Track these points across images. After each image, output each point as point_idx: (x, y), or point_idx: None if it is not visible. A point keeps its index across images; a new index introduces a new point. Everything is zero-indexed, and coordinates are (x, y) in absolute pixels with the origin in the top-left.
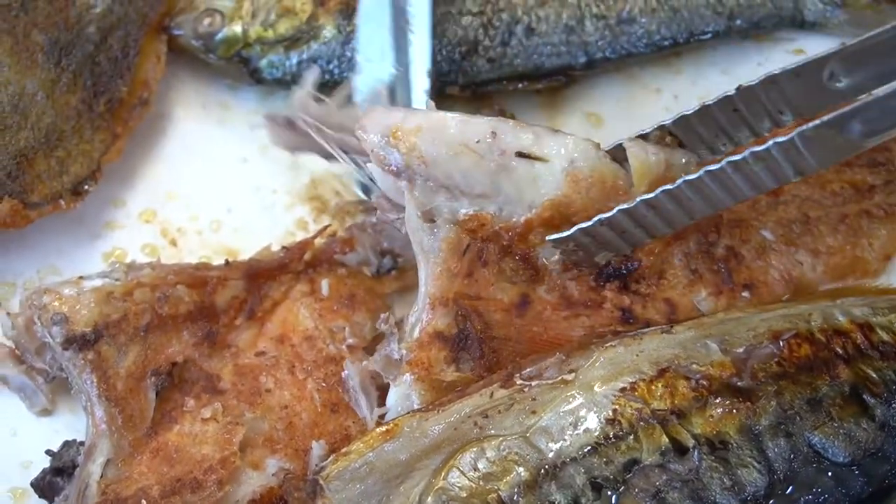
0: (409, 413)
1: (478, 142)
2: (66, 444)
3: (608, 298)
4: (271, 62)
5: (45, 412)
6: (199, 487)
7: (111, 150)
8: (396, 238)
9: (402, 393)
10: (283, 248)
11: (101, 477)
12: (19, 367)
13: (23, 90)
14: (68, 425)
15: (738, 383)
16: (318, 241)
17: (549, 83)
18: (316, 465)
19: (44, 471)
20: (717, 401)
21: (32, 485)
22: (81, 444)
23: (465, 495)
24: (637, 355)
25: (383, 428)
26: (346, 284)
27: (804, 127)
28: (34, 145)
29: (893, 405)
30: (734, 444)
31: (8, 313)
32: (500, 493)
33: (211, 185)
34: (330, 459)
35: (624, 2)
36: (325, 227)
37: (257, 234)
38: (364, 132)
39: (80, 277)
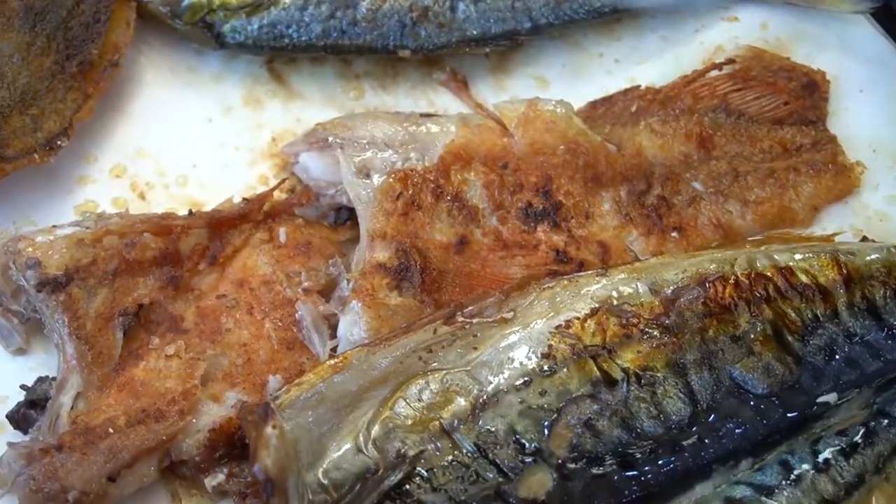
0: (357, 347)
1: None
2: (40, 380)
3: (542, 240)
4: (234, 27)
5: (20, 351)
6: (163, 417)
7: (83, 109)
8: None
9: (350, 320)
10: (244, 199)
11: (72, 408)
12: None
13: None
14: (41, 363)
15: (666, 321)
16: (277, 195)
17: (497, 47)
18: (271, 395)
19: (18, 404)
20: (646, 337)
21: (7, 417)
22: (54, 379)
23: (409, 423)
24: (573, 296)
25: (333, 361)
26: (303, 233)
27: None
28: (10, 103)
29: (810, 342)
30: (660, 377)
31: None
32: (443, 421)
33: (178, 143)
34: (283, 389)
35: None
36: (284, 181)
37: (221, 189)
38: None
39: (53, 226)
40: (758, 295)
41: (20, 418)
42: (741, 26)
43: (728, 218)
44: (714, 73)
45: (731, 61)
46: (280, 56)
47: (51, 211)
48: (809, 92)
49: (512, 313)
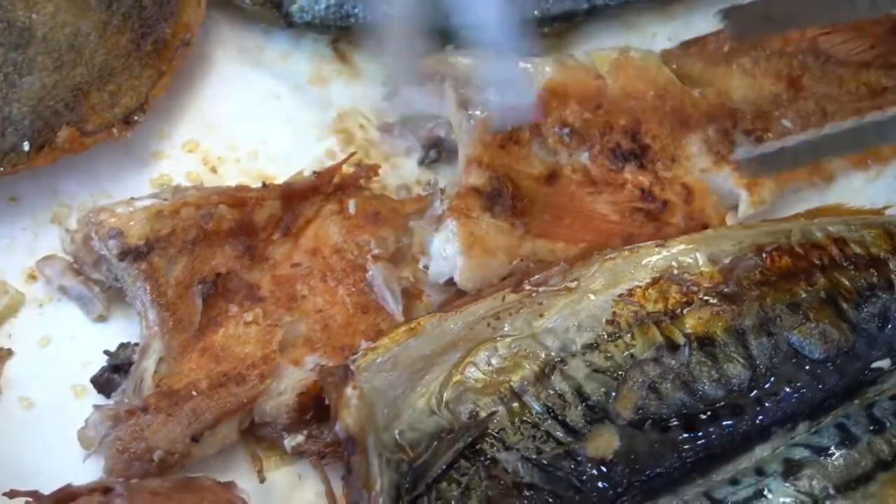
0: (430, 314)
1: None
2: (122, 346)
3: (628, 180)
4: (301, 7)
5: (101, 318)
6: (243, 381)
7: (157, 86)
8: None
9: (444, 237)
10: (314, 172)
11: (155, 372)
12: (77, 279)
13: (78, 31)
14: (122, 330)
15: (725, 290)
16: (346, 168)
17: (554, 27)
18: (350, 358)
19: (102, 368)
20: (706, 304)
21: (92, 381)
22: (136, 345)
23: (480, 387)
24: (634, 266)
25: (407, 326)
26: (371, 204)
27: None
28: (88, 80)
29: (864, 309)
30: (721, 342)
31: (67, 229)
32: (512, 384)
33: (248, 119)
34: (360, 353)
35: None
36: (352, 154)
37: (290, 163)
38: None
39: (132, 198)
40: (813, 264)
41: (104, 382)
42: None
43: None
44: None
45: None
46: (345, 36)
47: (127, 184)
48: (894, 36)
49: (576, 282)
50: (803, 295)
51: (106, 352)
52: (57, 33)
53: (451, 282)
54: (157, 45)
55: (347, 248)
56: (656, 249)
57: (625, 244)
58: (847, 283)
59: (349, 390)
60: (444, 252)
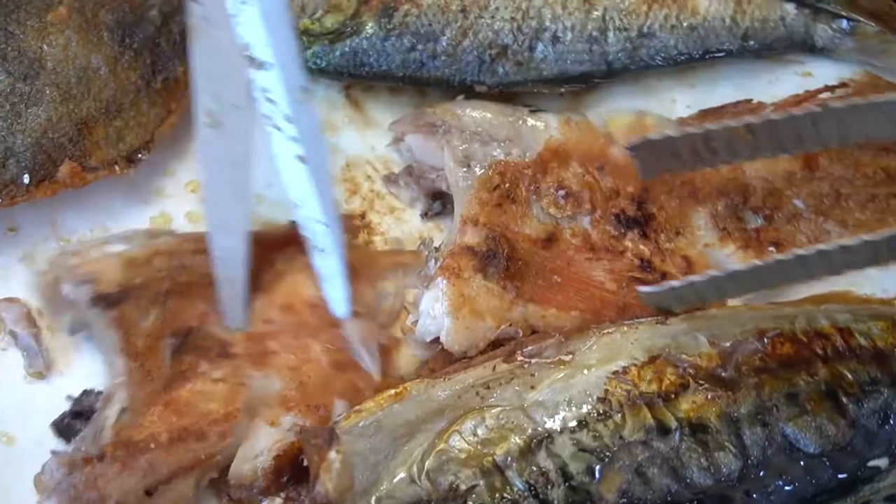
0: (417, 379)
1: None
2: (86, 392)
3: (629, 248)
4: (316, 53)
5: (39, 375)
6: (204, 437)
7: (165, 124)
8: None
9: (433, 296)
10: (291, 221)
11: (116, 422)
12: (30, 330)
13: (88, 64)
14: (87, 376)
15: (723, 374)
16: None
17: (571, 88)
18: (333, 420)
19: (63, 414)
20: (701, 388)
21: (52, 425)
22: (100, 393)
23: (463, 457)
24: (632, 342)
25: (393, 391)
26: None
27: None
28: (95, 115)
29: (864, 405)
30: (714, 429)
31: (36, 271)
32: (496, 457)
33: (254, 162)
34: (342, 415)
35: (645, 17)
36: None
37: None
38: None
39: (102, 241)
40: (815, 354)
41: (64, 427)
42: (814, 81)
43: (826, 238)
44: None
45: (843, 85)
46: (358, 83)
47: (127, 220)
48: None
49: (571, 356)
50: (802, 385)
51: (69, 397)
52: (67, 66)
53: (437, 340)
54: (168, 83)
55: (321, 302)
56: (656, 326)
57: (619, 314)
58: (849, 375)
59: (332, 454)
60: (433, 311)
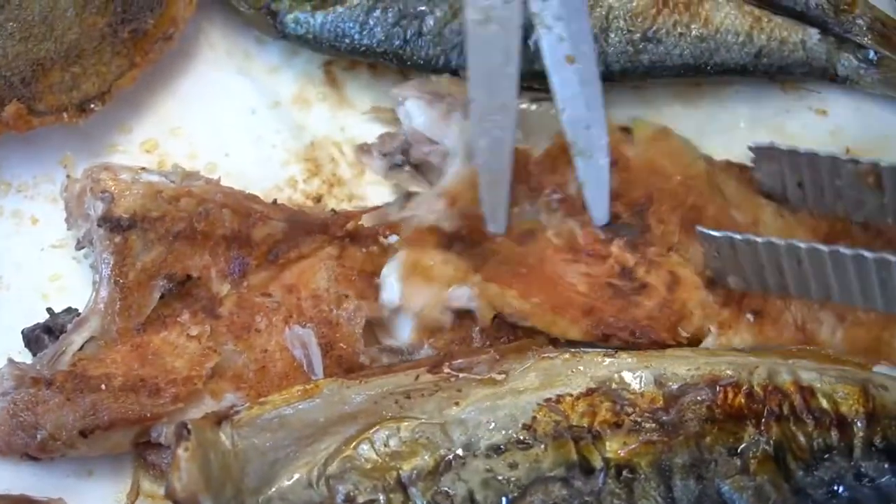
0: (331, 378)
1: None
2: (67, 310)
3: (613, 254)
4: (297, 19)
5: None
6: (157, 394)
7: (125, 77)
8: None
9: (392, 266)
10: (332, 210)
11: (80, 349)
12: None
13: (55, 4)
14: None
15: (664, 417)
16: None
17: None
18: (232, 408)
19: (36, 325)
20: (637, 429)
21: (22, 332)
22: (79, 313)
23: (368, 467)
24: (572, 371)
25: (303, 387)
26: (374, 263)
27: None
28: (53, 57)
29: (814, 473)
30: (642, 475)
31: (68, 175)
32: (401, 473)
33: (216, 129)
34: (246, 405)
35: (653, 21)
36: (376, 208)
37: (248, 182)
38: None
39: (142, 168)
40: (770, 411)
41: (33, 339)
42: (827, 121)
43: (814, 327)
44: None
45: None
46: (339, 59)
47: (75, 173)
48: None
49: (504, 375)
50: (748, 442)
51: (49, 310)
52: (33, 3)
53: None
54: (136, 34)
55: (327, 297)
56: (603, 358)
57: (584, 316)
58: (802, 439)
59: (180, 451)
60: (389, 278)
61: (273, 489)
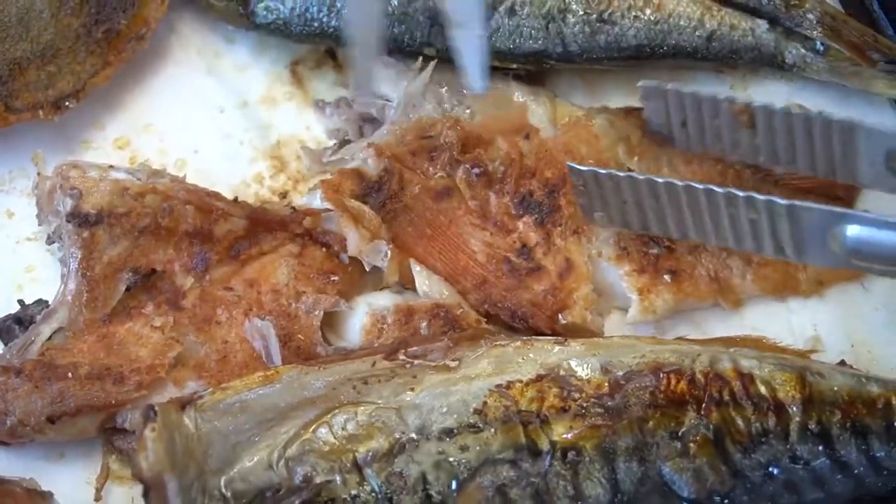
0: (291, 365)
1: None
2: (38, 302)
3: (519, 229)
4: (267, 6)
5: None
6: (121, 382)
7: (99, 76)
8: None
9: (306, 200)
10: (292, 207)
11: (49, 339)
12: None
13: (31, 6)
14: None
15: (609, 403)
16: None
17: (524, 67)
18: (195, 394)
19: (6, 316)
20: (582, 414)
21: None
22: (48, 305)
23: (326, 450)
24: (522, 358)
25: (264, 373)
26: (332, 263)
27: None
28: (29, 57)
29: (752, 456)
30: (587, 458)
31: (39, 174)
32: (357, 454)
33: (186, 126)
34: (209, 391)
35: (608, 3)
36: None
37: (216, 178)
38: None
39: (111, 166)
40: (710, 396)
41: (4, 329)
42: None
43: (726, 274)
44: None
45: None
46: (306, 58)
47: (48, 168)
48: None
49: (457, 362)
50: (689, 426)
51: (20, 301)
52: (10, 5)
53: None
54: (110, 34)
55: (286, 293)
56: (553, 345)
57: (475, 289)
58: (740, 423)
59: (147, 431)
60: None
61: (235, 470)
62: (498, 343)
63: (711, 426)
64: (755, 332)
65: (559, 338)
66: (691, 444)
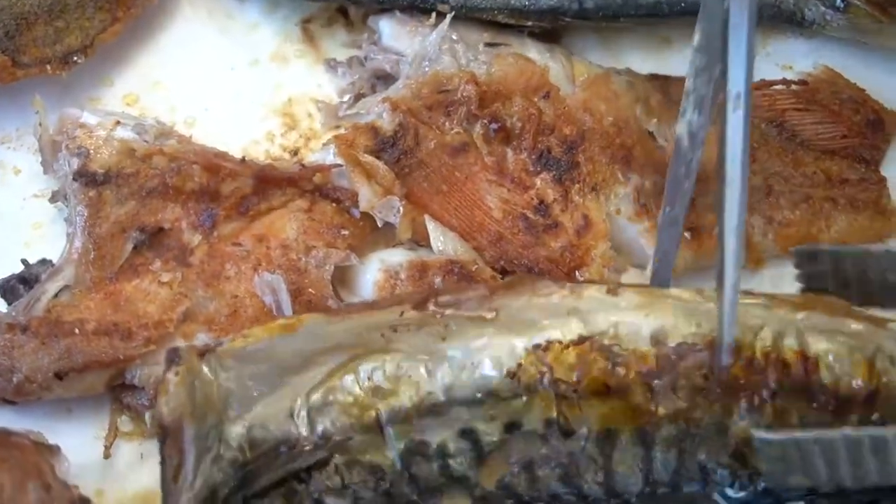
0: (315, 314)
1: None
2: (41, 261)
3: (536, 186)
4: None
5: None
6: (129, 338)
7: (108, 31)
8: None
9: (320, 157)
10: (300, 164)
11: (55, 297)
12: None
13: None
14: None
15: (655, 382)
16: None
17: (539, 24)
18: (216, 340)
19: (10, 276)
20: (625, 394)
21: None
22: (53, 263)
23: (350, 401)
24: (568, 312)
25: (284, 321)
26: (341, 218)
27: None
28: (37, 11)
29: None
30: (623, 443)
31: (40, 123)
32: (380, 412)
33: (195, 84)
34: (230, 338)
35: None
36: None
37: (226, 137)
38: None
39: (118, 121)
40: (767, 384)
41: (9, 289)
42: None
43: (748, 232)
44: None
45: (803, 82)
46: (317, 16)
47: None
48: (872, 130)
49: (494, 313)
50: (736, 419)
51: (23, 261)
52: None
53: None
54: None
55: (296, 247)
56: (603, 295)
57: (490, 246)
58: (795, 421)
59: (170, 375)
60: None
61: (255, 416)
62: (542, 291)
63: (763, 423)
64: None
65: (612, 286)
66: (738, 442)
